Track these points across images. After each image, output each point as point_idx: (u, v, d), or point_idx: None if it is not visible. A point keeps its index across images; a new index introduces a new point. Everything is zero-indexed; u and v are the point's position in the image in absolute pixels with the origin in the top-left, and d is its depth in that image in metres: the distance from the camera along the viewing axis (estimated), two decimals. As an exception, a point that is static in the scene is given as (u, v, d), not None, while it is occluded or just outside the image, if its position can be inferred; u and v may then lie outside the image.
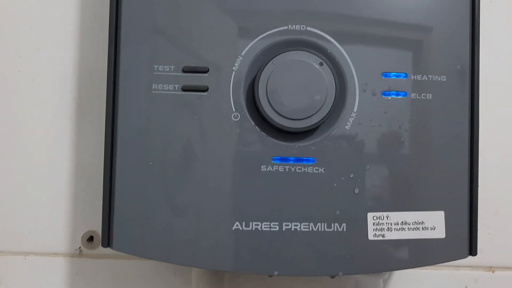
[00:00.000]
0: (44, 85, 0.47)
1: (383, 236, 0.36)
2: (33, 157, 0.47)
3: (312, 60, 0.35)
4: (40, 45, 0.47)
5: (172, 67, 0.36)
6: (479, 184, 0.37)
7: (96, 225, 0.47)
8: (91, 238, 0.47)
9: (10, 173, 0.47)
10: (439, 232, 0.36)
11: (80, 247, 0.47)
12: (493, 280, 0.48)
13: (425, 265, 0.37)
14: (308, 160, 0.36)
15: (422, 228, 0.36)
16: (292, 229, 0.36)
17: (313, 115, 0.35)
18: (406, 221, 0.36)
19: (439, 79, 0.37)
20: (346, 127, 0.36)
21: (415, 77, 0.37)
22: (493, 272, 0.48)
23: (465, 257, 0.37)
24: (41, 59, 0.47)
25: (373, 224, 0.36)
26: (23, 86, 0.47)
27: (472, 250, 0.37)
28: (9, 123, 0.47)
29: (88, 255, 0.47)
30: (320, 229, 0.36)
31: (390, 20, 0.37)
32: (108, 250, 0.36)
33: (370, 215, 0.36)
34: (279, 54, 0.36)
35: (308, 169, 0.36)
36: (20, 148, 0.47)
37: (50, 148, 0.47)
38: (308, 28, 0.36)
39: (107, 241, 0.36)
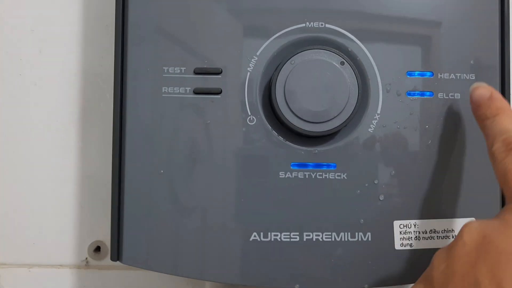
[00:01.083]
0: (46, 89, 0.45)
1: (410, 245, 0.34)
2: (36, 164, 0.45)
3: (332, 59, 0.34)
4: (42, 47, 0.45)
5: (183, 68, 0.35)
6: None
7: (103, 235, 0.46)
8: (98, 249, 0.46)
9: (13, 181, 0.45)
10: (471, 241, 0.34)
11: (86, 258, 0.46)
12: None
13: (456, 276, 0.35)
14: (329, 166, 0.34)
15: (452, 237, 0.34)
16: (314, 240, 0.34)
17: (334, 117, 0.33)
18: (435, 229, 0.34)
19: (468, 78, 0.35)
20: (370, 129, 0.34)
21: (442, 75, 0.35)
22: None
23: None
24: (43, 62, 0.45)
25: (400, 233, 0.34)
26: (24, 91, 0.45)
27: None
28: (10, 129, 0.45)
29: (95, 267, 0.46)
30: (343, 239, 0.34)
31: (415, 16, 0.35)
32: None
33: (396, 223, 0.34)
34: (297, 53, 0.34)
35: (330, 175, 0.34)
36: (22, 156, 0.45)
37: (54, 155, 0.45)
38: (327, 25, 0.35)
39: (116, 255, 0.35)
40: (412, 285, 0.30)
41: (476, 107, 0.32)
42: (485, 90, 0.32)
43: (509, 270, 0.25)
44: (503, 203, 0.35)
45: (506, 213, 0.27)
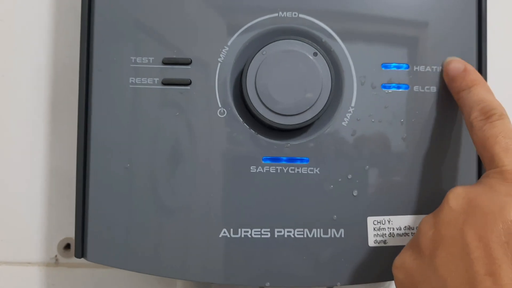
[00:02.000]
0: (15, 82, 0.44)
1: (384, 242, 0.33)
2: (4, 160, 0.44)
3: (305, 50, 0.33)
4: (10, 38, 0.44)
5: (151, 58, 0.33)
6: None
7: (73, 232, 0.43)
8: (67, 246, 0.45)
9: (-21, 177, 0.44)
10: (446, 237, 0.33)
11: (56, 256, 0.45)
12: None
13: (430, 274, 0.34)
14: (302, 160, 0.33)
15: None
16: (285, 236, 0.33)
17: (306, 110, 0.32)
18: (409, 226, 0.33)
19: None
20: (343, 123, 0.33)
21: (418, 68, 0.34)
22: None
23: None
24: (12, 53, 0.44)
25: (374, 229, 0.33)
26: (-9, 83, 0.44)
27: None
28: (-24, 123, 0.44)
29: (64, 264, 0.45)
30: (315, 236, 0.33)
31: (391, 6, 0.34)
32: (85, 259, 0.34)
33: (370, 219, 0.33)
34: (269, 43, 0.33)
35: (302, 170, 0.33)
36: (-11, 150, 0.44)
37: (23, 150, 0.44)
38: (300, 15, 0.34)
39: (80, 251, 0.33)
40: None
41: (451, 80, 0.33)
42: (459, 64, 0.33)
43: (496, 230, 0.26)
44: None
45: (487, 178, 0.29)
